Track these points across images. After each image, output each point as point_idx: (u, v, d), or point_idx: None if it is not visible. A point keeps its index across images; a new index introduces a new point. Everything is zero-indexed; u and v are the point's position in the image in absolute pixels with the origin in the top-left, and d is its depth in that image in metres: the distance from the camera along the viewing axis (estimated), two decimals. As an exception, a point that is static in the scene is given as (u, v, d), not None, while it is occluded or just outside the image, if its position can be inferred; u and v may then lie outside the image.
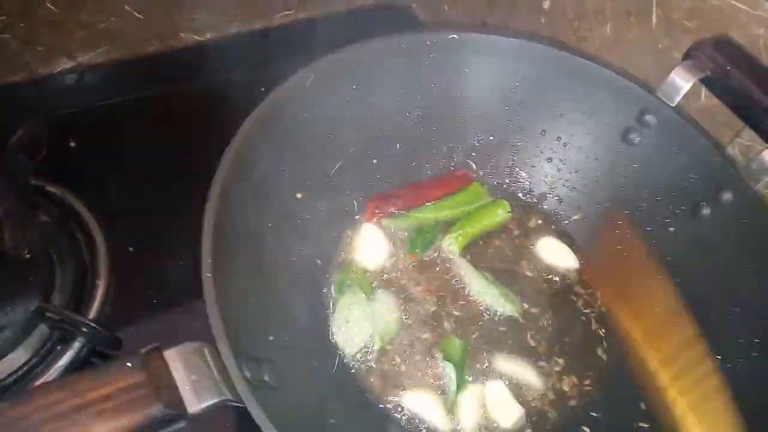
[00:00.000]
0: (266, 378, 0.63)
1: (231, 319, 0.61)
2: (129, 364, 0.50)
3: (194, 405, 0.52)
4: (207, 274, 0.62)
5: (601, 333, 0.91)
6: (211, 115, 1.01)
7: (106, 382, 0.49)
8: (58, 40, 1.16)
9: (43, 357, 0.82)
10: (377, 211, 0.96)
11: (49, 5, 1.10)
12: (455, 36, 0.91)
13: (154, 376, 0.51)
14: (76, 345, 0.83)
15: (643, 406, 0.80)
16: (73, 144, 1.07)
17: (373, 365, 0.84)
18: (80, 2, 1.13)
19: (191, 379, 0.53)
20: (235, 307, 0.65)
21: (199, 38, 1.31)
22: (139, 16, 1.20)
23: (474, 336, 0.88)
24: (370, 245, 0.94)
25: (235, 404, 0.55)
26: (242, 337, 0.63)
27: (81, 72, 1.21)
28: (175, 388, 0.51)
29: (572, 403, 0.85)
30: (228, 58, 1.24)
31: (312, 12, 1.38)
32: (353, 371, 0.83)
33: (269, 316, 0.74)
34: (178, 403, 0.51)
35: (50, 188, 0.97)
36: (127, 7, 1.18)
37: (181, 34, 1.28)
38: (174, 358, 0.53)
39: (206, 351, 0.57)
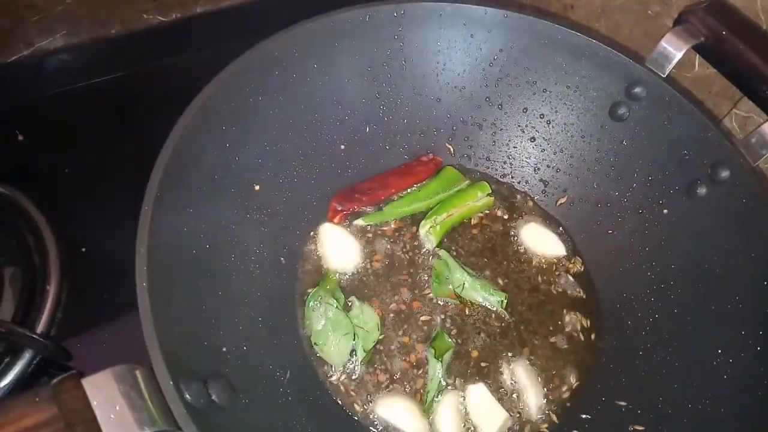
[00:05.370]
0: (214, 398, 0.57)
1: (172, 333, 0.55)
2: (36, 398, 0.44)
3: (117, 440, 0.45)
4: (142, 283, 0.56)
5: (592, 329, 0.84)
6: (177, 100, 0.95)
7: (8, 420, 0.42)
8: (12, 25, 1.08)
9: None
10: (340, 209, 0.88)
11: (-3, -10, 1.03)
12: (425, 5, 0.83)
13: (68, 409, 0.44)
14: (27, 356, 0.77)
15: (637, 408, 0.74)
16: (21, 138, 0.99)
17: (349, 375, 0.78)
18: (32, -14, 1.05)
19: (115, 410, 0.46)
20: (178, 318, 0.59)
21: (163, 18, 1.23)
22: (96, -3, 1.12)
23: (454, 333, 0.82)
24: (338, 247, 0.86)
25: (172, 432, 0.49)
26: (186, 353, 0.57)
27: (39, 58, 1.14)
28: (94, 421, 0.45)
29: (562, 405, 0.79)
30: (195, 38, 1.17)
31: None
32: (324, 382, 0.77)
33: (222, 323, 0.67)
34: (96, 439, 0.44)
35: (-4, 187, 0.91)
36: (82, -11, 1.10)
37: (144, 15, 1.21)
38: (94, 385, 0.47)
39: (138, 374, 0.50)
